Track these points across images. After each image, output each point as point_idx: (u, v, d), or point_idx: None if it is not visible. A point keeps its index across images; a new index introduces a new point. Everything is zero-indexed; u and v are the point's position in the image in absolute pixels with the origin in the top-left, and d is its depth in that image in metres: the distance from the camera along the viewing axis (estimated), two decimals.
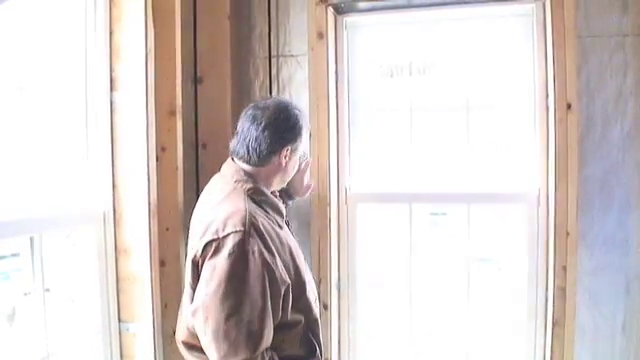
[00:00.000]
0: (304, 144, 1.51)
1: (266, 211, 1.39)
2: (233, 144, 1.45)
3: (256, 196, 1.39)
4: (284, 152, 1.42)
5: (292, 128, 1.42)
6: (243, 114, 1.45)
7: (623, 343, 1.81)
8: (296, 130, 1.43)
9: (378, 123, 2.10)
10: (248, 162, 1.41)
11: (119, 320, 1.68)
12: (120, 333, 1.68)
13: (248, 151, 1.40)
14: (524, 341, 1.94)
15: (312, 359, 1.42)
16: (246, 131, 1.41)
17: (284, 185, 1.55)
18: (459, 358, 2.05)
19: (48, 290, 1.48)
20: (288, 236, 1.45)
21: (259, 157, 1.40)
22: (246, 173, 1.41)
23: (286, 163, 1.45)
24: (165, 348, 1.68)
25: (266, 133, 1.38)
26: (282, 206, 1.48)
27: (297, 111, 1.45)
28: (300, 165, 1.76)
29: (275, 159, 1.42)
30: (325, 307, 1.99)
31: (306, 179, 1.79)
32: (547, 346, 1.83)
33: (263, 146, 1.39)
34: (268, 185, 1.45)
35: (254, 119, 1.40)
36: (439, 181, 2.04)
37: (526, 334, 1.94)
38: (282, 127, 1.40)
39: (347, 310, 2.11)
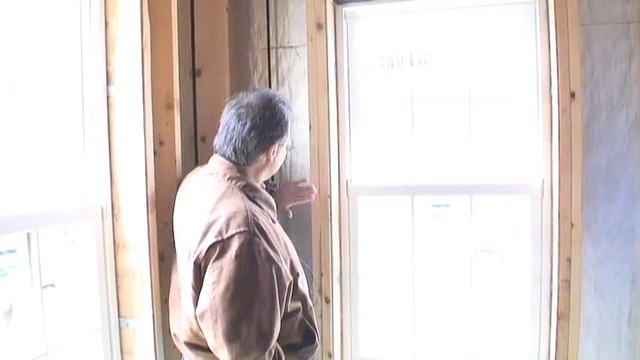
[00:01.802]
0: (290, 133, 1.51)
1: (260, 207, 1.40)
2: (219, 141, 1.44)
3: (250, 193, 1.39)
4: (272, 149, 1.42)
5: (277, 125, 1.41)
6: (227, 109, 1.43)
7: (629, 335, 1.79)
8: (282, 126, 1.42)
9: (379, 114, 2.07)
10: (237, 163, 1.41)
11: (119, 315, 1.66)
12: (120, 329, 1.67)
13: (235, 152, 1.39)
14: (529, 334, 1.92)
15: (311, 345, 1.44)
16: (231, 131, 1.39)
17: (271, 175, 1.57)
18: (463, 351, 2.03)
19: (47, 286, 1.47)
20: (281, 230, 1.46)
21: (247, 157, 1.40)
22: (239, 170, 1.41)
23: (274, 159, 1.46)
24: (165, 343, 1.66)
25: (252, 134, 1.37)
26: (273, 201, 1.48)
27: (281, 104, 1.43)
28: (299, 189, 1.87)
29: (263, 157, 1.42)
30: (327, 301, 1.97)
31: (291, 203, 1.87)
32: (552, 338, 1.81)
33: (250, 147, 1.39)
34: (257, 180, 1.46)
35: (239, 118, 1.38)
36: (441, 173, 2.01)
37: (531, 327, 1.91)
38: (268, 126, 1.39)
39: (349, 303, 2.10)
